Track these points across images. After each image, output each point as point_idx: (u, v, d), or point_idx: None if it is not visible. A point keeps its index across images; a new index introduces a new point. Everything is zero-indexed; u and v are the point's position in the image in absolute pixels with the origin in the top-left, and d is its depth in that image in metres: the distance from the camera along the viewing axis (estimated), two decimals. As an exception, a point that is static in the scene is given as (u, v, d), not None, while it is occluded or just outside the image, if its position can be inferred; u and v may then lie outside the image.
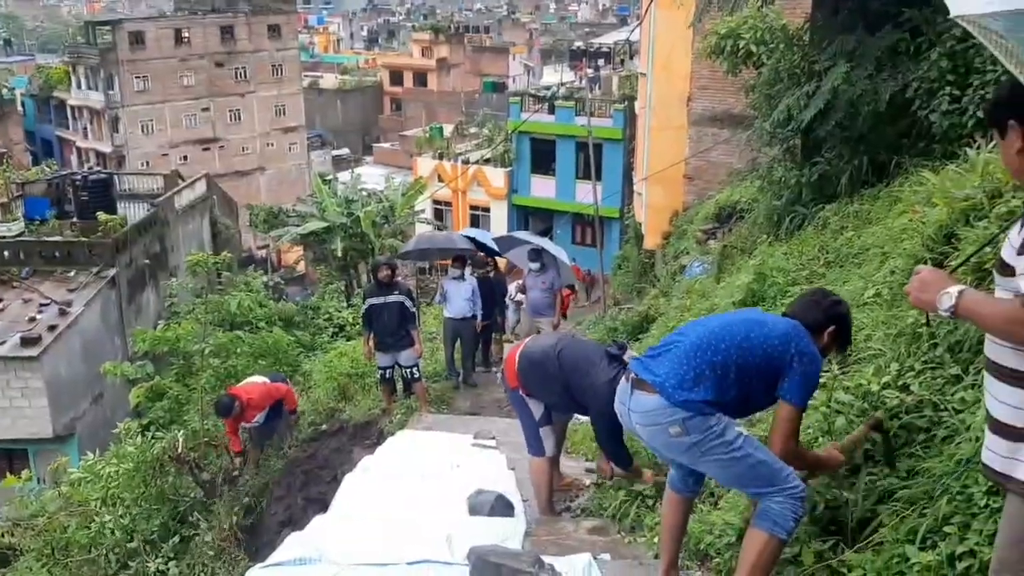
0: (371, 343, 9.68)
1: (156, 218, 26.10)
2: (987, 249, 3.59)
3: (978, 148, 5.32)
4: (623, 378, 3.64)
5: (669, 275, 16.16)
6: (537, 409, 5.38)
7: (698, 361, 3.40)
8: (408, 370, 9.65)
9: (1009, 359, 2.17)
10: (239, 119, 52.08)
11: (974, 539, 2.97)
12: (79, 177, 26.92)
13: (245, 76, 52.26)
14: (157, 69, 48.74)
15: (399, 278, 10.34)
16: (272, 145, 53.25)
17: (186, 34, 50.50)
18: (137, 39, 48.40)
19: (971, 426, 3.29)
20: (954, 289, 2.18)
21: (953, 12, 1.96)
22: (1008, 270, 2.12)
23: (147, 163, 45.88)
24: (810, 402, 3.99)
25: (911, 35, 7.62)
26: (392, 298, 9.45)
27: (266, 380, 10.22)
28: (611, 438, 5.05)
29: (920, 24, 7.49)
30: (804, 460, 3.52)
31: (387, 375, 9.71)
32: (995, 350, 2.22)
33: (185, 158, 47.87)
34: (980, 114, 6.55)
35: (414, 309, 9.74)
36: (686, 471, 3.74)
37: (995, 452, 2.25)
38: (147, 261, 24.84)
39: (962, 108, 6.86)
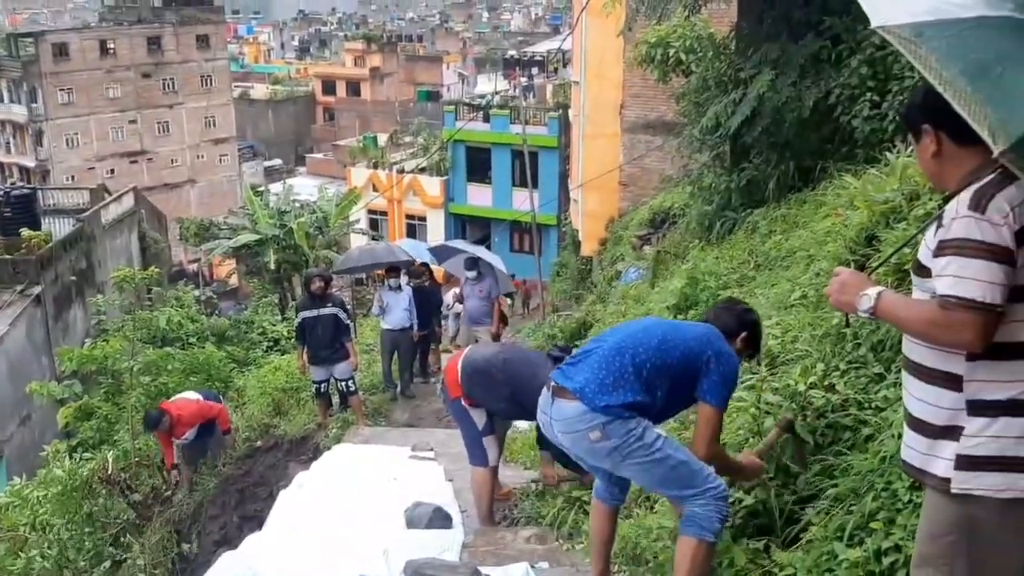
0: (305, 357, 9.55)
1: (82, 233, 25.41)
2: (906, 250, 3.70)
3: (898, 152, 5.48)
4: (544, 387, 3.64)
5: (606, 281, 16.30)
6: (480, 419, 5.34)
7: (617, 365, 3.43)
8: (344, 383, 9.54)
9: (926, 357, 2.22)
10: (168, 131, 51.09)
11: (899, 534, 3.03)
12: (1, 193, 26.08)
13: (173, 87, 51.29)
14: (82, 81, 47.58)
15: (332, 290, 10.22)
16: (202, 157, 52.32)
17: (111, 45, 49.40)
18: (61, 51, 47.19)
19: (893, 423, 3.36)
20: (872, 291, 2.23)
21: (874, 23, 2.01)
22: (924, 271, 2.17)
23: (73, 177, 44.68)
24: (740, 404, 4.07)
25: (832, 43, 7.82)
26: (325, 310, 9.34)
27: (199, 397, 9.98)
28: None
29: (841, 32, 7.69)
30: (726, 463, 3.56)
31: (322, 389, 9.59)
32: (912, 349, 2.28)
33: (112, 172, 46.75)
34: (899, 119, 6.76)
35: (348, 321, 9.64)
36: (611, 481, 3.76)
37: (914, 449, 2.30)
38: (73, 278, 24.17)
39: (882, 114, 7.06)
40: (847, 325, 3.48)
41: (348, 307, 10.08)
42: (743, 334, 3.65)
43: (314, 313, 9.36)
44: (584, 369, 3.48)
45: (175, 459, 9.68)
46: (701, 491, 3.38)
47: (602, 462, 3.51)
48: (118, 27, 51.02)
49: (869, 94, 7.23)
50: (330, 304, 9.43)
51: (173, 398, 10.16)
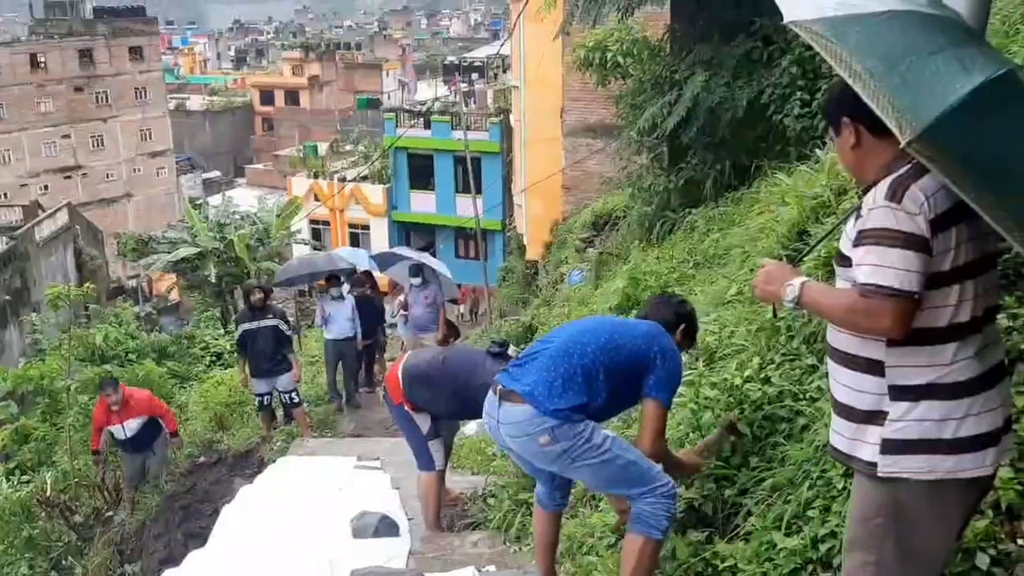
0: (247, 370, 9.41)
1: (15, 252, 24.77)
2: (835, 243, 3.78)
3: (827, 149, 5.59)
4: (490, 390, 3.60)
5: (551, 284, 16.38)
6: (424, 423, 5.30)
7: (566, 367, 3.41)
8: (287, 395, 9.43)
9: (848, 345, 2.27)
10: (102, 145, 49.97)
11: (834, 521, 3.09)
12: (-73, 211, 25.32)
13: (107, 100, 50.21)
14: (12, 96, 46.33)
15: (273, 301, 10.09)
16: (139, 171, 51.28)
17: (42, 59, 48.21)
18: (-11, 66, 45.91)
19: (826, 413, 3.41)
20: (797, 281, 2.27)
21: (786, 18, 2.06)
22: (846, 261, 2.22)
23: (5, 195, 43.39)
24: (679, 399, 4.11)
25: (763, 43, 7.98)
26: (266, 322, 9.23)
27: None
28: None
29: (771, 33, 7.86)
30: (669, 460, 3.59)
31: (265, 402, 9.46)
32: (836, 336, 2.33)
33: (46, 188, 45.58)
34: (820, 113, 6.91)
35: (290, 332, 9.51)
36: (552, 486, 3.76)
37: (840, 434, 2.35)
38: (7, 297, 23.55)
39: (812, 112, 7.22)
40: (775, 316, 3.55)
41: (289, 318, 9.94)
42: (682, 326, 3.72)
43: (254, 325, 9.24)
44: (531, 371, 3.46)
45: (98, 445, 9.29)
46: (650, 489, 3.38)
47: (550, 465, 3.50)
48: (48, 40, 49.78)
49: (799, 93, 7.39)
50: (270, 316, 9.32)
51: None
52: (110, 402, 8.95)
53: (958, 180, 1.88)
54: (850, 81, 1.92)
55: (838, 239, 2.38)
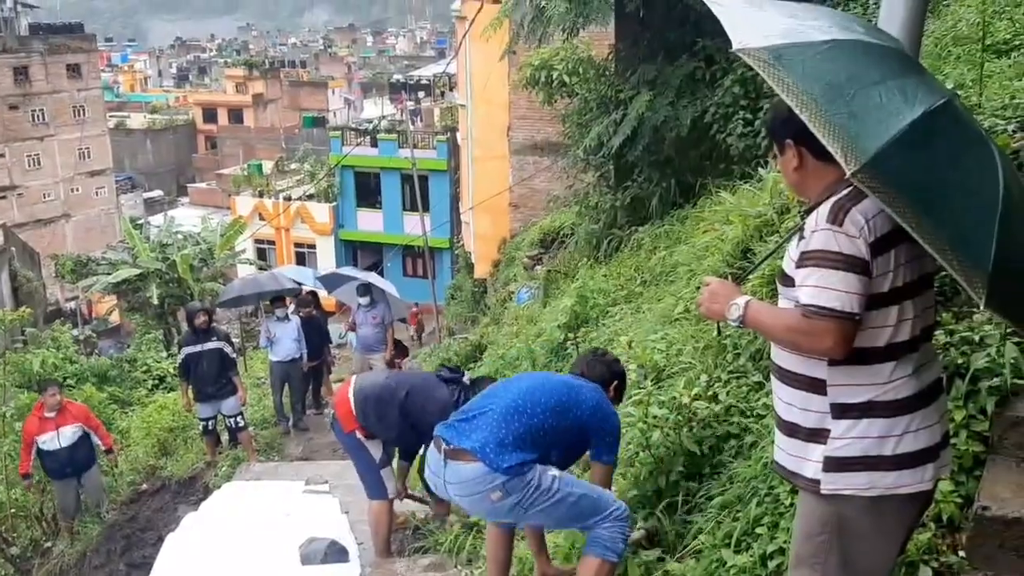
0: (190, 394, 9.22)
1: (-54, 274, 23.98)
2: (778, 262, 3.84)
3: (769, 168, 5.70)
4: (432, 446, 3.56)
5: (499, 303, 16.36)
6: (377, 450, 5.23)
7: (516, 425, 3.42)
8: (232, 419, 9.26)
9: (792, 363, 2.31)
10: (39, 164, 48.66)
11: (783, 537, 3.13)
12: None
13: (43, 119, 48.92)
14: (-57, 114, 44.99)
15: (217, 323, 9.91)
16: (77, 190, 50.02)
17: (-26, 76, 46.86)
18: (-82, 81, 44.53)
19: (772, 430, 3.47)
20: (741, 300, 2.30)
21: (734, 46, 2.10)
22: (789, 281, 2.26)
23: (-65, 215, 42.06)
24: (628, 419, 4.14)
25: (706, 63, 8.12)
26: (210, 345, 9.06)
27: None
28: None
29: (714, 53, 8.01)
30: None
31: (209, 426, 9.28)
32: (779, 355, 2.36)
33: (-21, 208, 44.25)
34: (764, 131, 7.05)
35: (234, 355, 9.35)
36: None
37: (785, 451, 2.38)
38: (-63, 321, 22.72)
39: (755, 131, 7.37)
40: (719, 333, 3.61)
41: (234, 340, 9.77)
42: (615, 383, 3.91)
43: (198, 348, 9.07)
44: (480, 428, 3.43)
45: (28, 468, 8.99)
46: (605, 515, 3.44)
47: (504, 517, 3.53)
48: (-20, 57, 48.47)
49: (742, 112, 7.54)
50: (214, 338, 9.16)
51: None
52: (48, 405, 8.77)
53: (899, 208, 1.92)
54: (796, 109, 1.96)
55: (781, 258, 2.41)
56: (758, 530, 3.25)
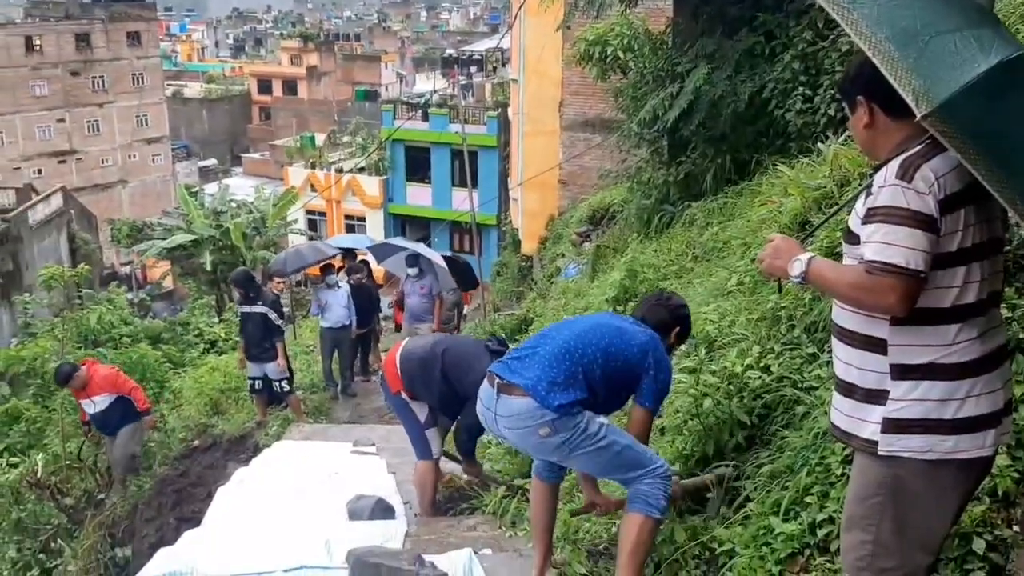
0: (241, 352, 9.46)
1: (7, 234, 24.67)
2: (844, 221, 3.79)
3: (829, 145, 5.61)
4: (485, 381, 3.62)
5: (546, 278, 16.38)
6: (422, 412, 5.33)
7: (568, 364, 3.45)
8: (277, 384, 9.41)
9: (853, 323, 2.29)
10: (98, 130, 49.75)
11: (832, 507, 3.12)
12: (-80, 192, 25.16)
13: (103, 86, 49.97)
14: (6, 79, 46.04)
15: (265, 288, 10.03)
16: (134, 157, 51.06)
17: (38, 42, 47.88)
18: (-17, 47, 45.62)
19: (826, 401, 3.45)
20: (804, 256, 2.28)
21: None
22: (854, 238, 2.23)
23: (-3, 177, 43.21)
24: (679, 386, 4.14)
25: (766, 38, 7.98)
26: (256, 308, 9.23)
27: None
28: (474, 435, 5.24)
29: (774, 28, 7.87)
30: None
31: (256, 386, 9.45)
32: (841, 315, 2.34)
33: (40, 172, 45.35)
34: (831, 112, 6.93)
35: (278, 322, 9.48)
36: (548, 460, 3.78)
37: (842, 412, 2.36)
38: (0, 280, 23.43)
39: (814, 107, 7.23)
40: (780, 291, 3.58)
41: (281, 307, 9.91)
42: (677, 328, 3.82)
43: (246, 309, 9.32)
44: (533, 366, 3.48)
45: (86, 417, 9.25)
46: (647, 471, 3.43)
47: (549, 455, 3.55)
48: (44, 23, 49.49)
49: (801, 88, 7.39)
50: (260, 303, 9.32)
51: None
52: (74, 389, 9.03)
53: (969, 155, 1.90)
54: (868, 51, 1.94)
55: (848, 215, 2.39)
56: (807, 499, 3.24)
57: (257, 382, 9.44)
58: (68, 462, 10.04)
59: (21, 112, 46.62)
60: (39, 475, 9.63)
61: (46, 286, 15.25)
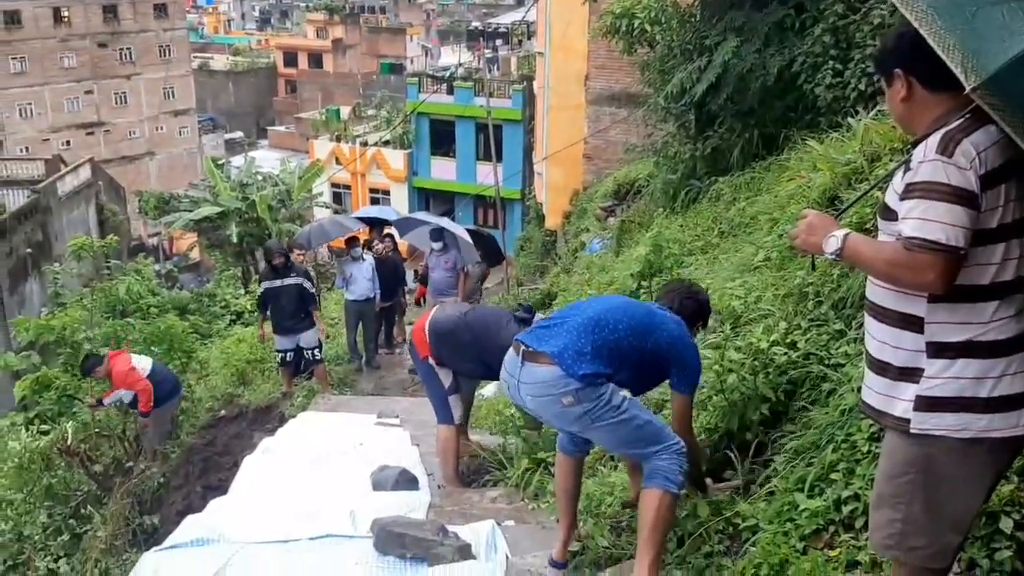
0: (266, 327, 9.50)
1: (37, 205, 24.90)
2: (866, 210, 3.75)
3: (859, 119, 5.53)
4: (511, 349, 3.64)
5: (570, 253, 16.34)
6: (447, 378, 5.43)
7: (596, 336, 3.46)
8: (310, 352, 9.49)
9: (887, 300, 2.26)
10: (125, 102, 50.03)
11: (858, 484, 3.11)
12: (-49, 163, 25.42)
13: (131, 57, 50.17)
14: (35, 50, 46.35)
15: (297, 260, 10.11)
16: (161, 129, 51.34)
17: (66, 13, 48.10)
18: (12, 19, 45.85)
19: (853, 378, 3.43)
20: (840, 232, 2.25)
21: None
22: (891, 214, 2.20)
23: (26, 149, 43.58)
24: (704, 362, 4.12)
25: (796, 11, 7.85)
26: (290, 280, 9.29)
27: (146, 366, 9.65)
28: None
29: (804, 1, 7.73)
30: (692, 453, 3.65)
31: (287, 358, 9.53)
32: (875, 292, 2.31)
33: (68, 143, 45.69)
34: (862, 87, 6.82)
35: (314, 290, 9.55)
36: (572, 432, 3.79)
37: (874, 390, 2.34)
38: (29, 250, 23.69)
39: (844, 81, 7.11)
40: (813, 268, 3.55)
41: (312, 276, 9.98)
42: (700, 321, 3.93)
43: (277, 284, 9.32)
44: (560, 335, 3.49)
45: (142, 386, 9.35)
46: (665, 447, 3.45)
47: (570, 425, 3.55)
48: (72, -6, 49.67)
49: (832, 62, 7.27)
50: (293, 274, 9.37)
51: (132, 355, 9.89)
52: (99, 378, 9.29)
53: (1019, 129, 1.87)
54: (914, 21, 1.90)
55: (884, 190, 2.36)
56: (833, 476, 3.23)
57: (288, 354, 9.51)
58: (97, 430, 10.20)
59: (50, 84, 46.93)
60: (69, 442, 9.79)
61: (76, 256, 15.40)
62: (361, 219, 13.76)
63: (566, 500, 3.88)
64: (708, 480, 3.90)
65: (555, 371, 3.40)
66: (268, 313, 9.61)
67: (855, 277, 3.85)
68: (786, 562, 3.06)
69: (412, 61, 63.34)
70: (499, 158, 27.46)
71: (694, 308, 3.86)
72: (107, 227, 27.82)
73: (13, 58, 45.71)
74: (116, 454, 10.14)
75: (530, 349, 3.50)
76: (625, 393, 3.47)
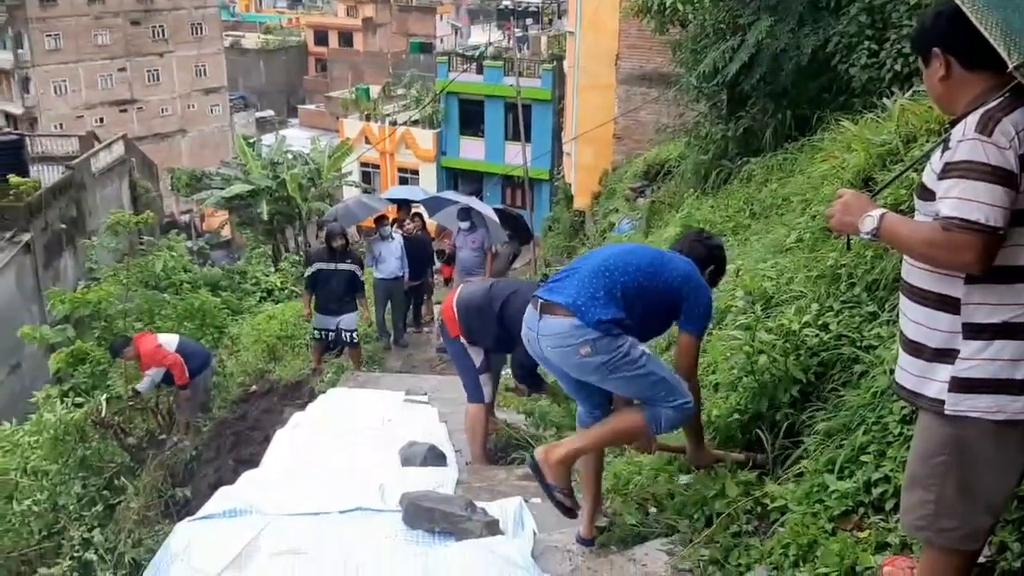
0: (312, 304, 9.53)
1: (72, 181, 25.16)
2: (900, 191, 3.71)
3: (895, 100, 5.45)
4: (530, 305, 3.70)
5: (599, 233, 16.31)
6: (477, 356, 5.49)
7: (606, 280, 3.52)
8: (349, 334, 9.54)
9: (923, 280, 2.24)
10: (158, 80, 50.34)
11: (889, 466, 3.09)
12: (-12, 138, 25.73)
13: (163, 35, 50.43)
14: (69, 27, 46.69)
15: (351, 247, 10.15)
16: (193, 107, 51.64)
17: (100, -9, 48.43)
18: (48, -4, 46.26)
19: (886, 360, 3.41)
20: (876, 212, 2.23)
21: None
22: (928, 194, 2.18)
23: (61, 125, 44.05)
24: (734, 343, 4.12)
25: (831, -10, 7.74)
26: (343, 266, 9.33)
27: (173, 341, 9.83)
28: (529, 367, 5.36)
29: (839, -21, 7.62)
30: (696, 399, 3.70)
31: (323, 336, 9.59)
32: (911, 272, 2.30)
33: (102, 120, 46.10)
34: (898, 67, 6.73)
35: (363, 279, 9.60)
36: (591, 404, 3.83)
37: (908, 371, 2.32)
38: (64, 225, 23.98)
39: (880, 62, 7.02)
40: (848, 248, 3.53)
41: (363, 265, 9.97)
42: (711, 267, 3.88)
43: (331, 267, 9.33)
44: (572, 284, 3.55)
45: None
46: (674, 401, 3.54)
47: (588, 376, 3.60)
48: (106, -28, 49.97)
49: (867, 42, 7.18)
50: (348, 260, 9.41)
51: (158, 334, 10.09)
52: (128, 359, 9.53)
53: None
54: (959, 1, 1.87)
55: (921, 171, 2.34)
56: (863, 458, 3.21)
57: (325, 333, 9.57)
58: (131, 403, 10.37)
59: (84, 61, 47.29)
60: (103, 415, 9.96)
61: (111, 231, 15.61)
62: (389, 199, 13.79)
63: (588, 473, 3.93)
64: (718, 451, 3.94)
65: (572, 321, 3.46)
66: (315, 292, 9.56)
67: (889, 258, 3.81)
68: (815, 543, 3.06)
69: (442, 40, 63.17)
70: (528, 138, 27.38)
71: (703, 253, 3.86)
72: (140, 203, 28.07)
73: (48, 35, 46.09)
74: (149, 427, 10.30)
75: (547, 302, 3.56)
76: (644, 348, 3.53)
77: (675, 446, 4.03)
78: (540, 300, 3.60)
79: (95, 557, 8.36)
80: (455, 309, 5.36)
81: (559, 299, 3.51)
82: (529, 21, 53.19)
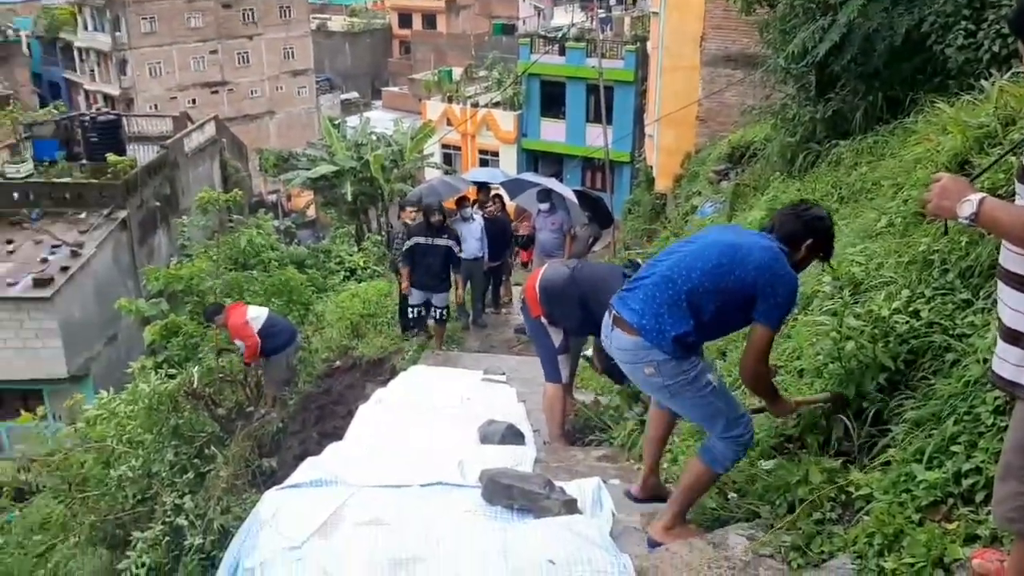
0: (409, 279, 9.63)
1: (166, 160, 26.06)
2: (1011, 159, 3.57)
3: (993, 82, 5.25)
4: (607, 312, 3.73)
5: (680, 216, 16.12)
6: (557, 337, 5.54)
7: (670, 292, 3.48)
8: (439, 311, 9.67)
9: (1021, 266, 2.18)
10: (247, 62, 51.54)
11: (980, 457, 3.02)
12: (88, 118, 26.76)
13: (253, 18, 51.54)
14: (164, 10, 48.10)
15: (407, 219, 10.29)
16: (281, 89, 52.75)
17: (193, -25, 49.73)
18: (144, -19, 47.73)
19: (979, 349, 3.32)
20: (975, 196, 2.18)
21: None
22: None
23: (155, 106, 45.50)
24: (820, 328, 4.05)
25: (927, -32, 7.47)
26: (441, 241, 9.43)
27: (261, 316, 10.12)
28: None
29: (936, -42, 7.35)
30: (767, 386, 3.67)
31: (420, 313, 9.72)
32: (1009, 258, 2.23)
33: (194, 101, 47.46)
34: (996, 48, 6.47)
35: (461, 254, 9.70)
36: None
37: (1006, 360, 2.27)
38: (158, 203, 24.86)
39: (977, 43, 6.76)
40: (946, 232, 3.43)
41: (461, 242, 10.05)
42: (808, 241, 3.54)
43: (428, 241, 9.44)
44: (639, 298, 3.55)
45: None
46: (732, 434, 3.55)
47: (652, 392, 3.74)
48: (199, -43, 51.26)
49: (964, 23, 6.92)
50: (446, 236, 9.51)
51: (250, 307, 10.44)
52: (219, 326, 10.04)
53: None
54: None
55: (1021, 155, 2.26)
56: (953, 448, 3.14)
57: (417, 309, 9.70)
58: (221, 375, 10.74)
59: (177, 44, 48.70)
60: (195, 386, 10.34)
61: (202, 209, 16.12)
62: (471, 180, 13.89)
63: (651, 446, 4.10)
64: (799, 398, 3.93)
65: (638, 341, 3.50)
66: (412, 267, 9.58)
67: (984, 244, 3.69)
68: (901, 533, 3.01)
69: (524, 22, 62.78)
70: (609, 120, 27.15)
71: (797, 228, 3.51)
72: (230, 183, 28.91)
73: (144, 18, 47.58)
74: (238, 399, 10.67)
75: (617, 314, 3.60)
76: (711, 376, 3.52)
77: (756, 407, 4.00)
78: (613, 310, 3.64)
79: (185, 522, 8.73)
80: (537, 289, 5.40)
81: (627, 315, 3.54)
82: (612, 2, 52.57)
